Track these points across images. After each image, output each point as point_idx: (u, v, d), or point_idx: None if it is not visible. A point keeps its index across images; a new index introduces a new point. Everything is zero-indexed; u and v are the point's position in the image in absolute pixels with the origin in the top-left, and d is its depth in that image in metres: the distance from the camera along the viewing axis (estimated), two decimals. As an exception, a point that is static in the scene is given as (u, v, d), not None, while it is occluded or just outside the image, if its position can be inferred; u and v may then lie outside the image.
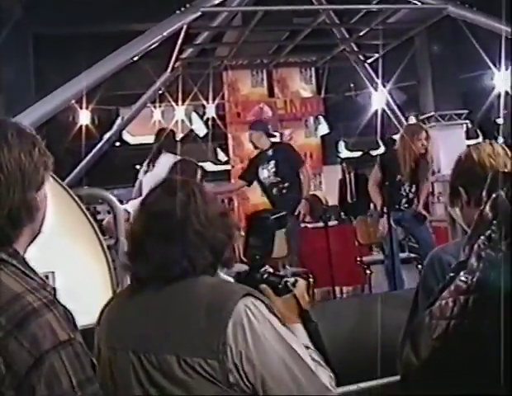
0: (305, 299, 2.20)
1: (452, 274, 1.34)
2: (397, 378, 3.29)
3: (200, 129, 13.75)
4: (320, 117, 12.99)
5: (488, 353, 1.20)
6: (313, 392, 1.95)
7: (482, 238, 1.26)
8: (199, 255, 2.04)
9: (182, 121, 13.12)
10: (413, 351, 1.34)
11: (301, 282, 2.23)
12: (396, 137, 16.34)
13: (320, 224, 7.74)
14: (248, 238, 2.24)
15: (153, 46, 7.81)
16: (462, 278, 1.28)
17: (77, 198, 4.09)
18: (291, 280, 2.23)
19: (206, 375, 1.92)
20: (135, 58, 7.80)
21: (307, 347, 2.08)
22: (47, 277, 3.65)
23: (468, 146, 2.43)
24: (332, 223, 8.35)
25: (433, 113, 13.55)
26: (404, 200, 6.75)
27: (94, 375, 1.74)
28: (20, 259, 1.74)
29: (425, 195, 7.08)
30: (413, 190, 6.75)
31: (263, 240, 2.24)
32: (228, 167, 12.49)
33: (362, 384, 3.63)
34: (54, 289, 1.79)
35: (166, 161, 6.40)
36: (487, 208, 1.27)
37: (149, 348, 2.01)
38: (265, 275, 2.21)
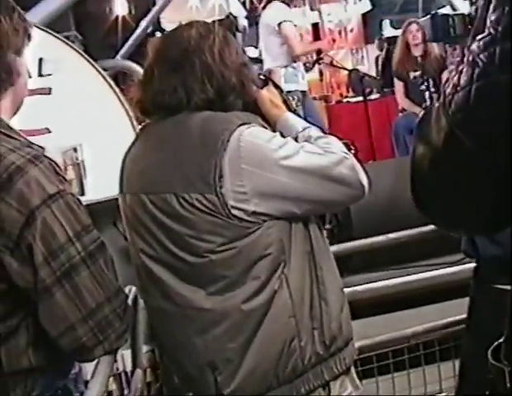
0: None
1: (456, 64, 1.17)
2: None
3: (238, 11, 13.42)
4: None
5: None
6: (335, 171, 1.94)
7: None
8: (198, 87, 1.96)
9: (220, 5, 12.79)
10: (421, 141, 1.10)
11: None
12: (442, 11, 15.79)
13: (360, 99, 7.60)
14: None
15: None
16: (480, 37, 1.03)
17: (102, 71, 4.03)
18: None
19: (206, 210, 1.88)
20: None
21: (305, 128, 2.06)
22: (75, 150, 3.64)
23: None
24: (374, 96, 8.18)
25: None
26: (427, 96, 6.48)
27: (91, 223, 1.71)
28: (3, 125, 1.70)
29: None
30: (431, 84, 6.48)
31: None
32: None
33: (392, 235, 3.60)
34: (42, 147, 1.74)
35: None
36: None
37: (150, 189, 1.99)
38: None
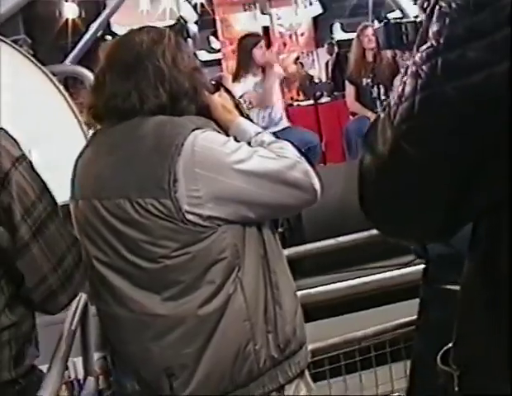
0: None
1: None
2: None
3: (189, 15, 13.39)
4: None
5: (465, 119, 0.98)
6: (289, 175, 1.95)
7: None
8: (151, 92, 1.96)
9: (171, 9, 12.78)
10: (368, 151, 1.11)
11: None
12: (391, 15, 15.98)
13: (311, 102, 7.64)
14: None
15: None
16: (423, 48, 1.04)
17: (51, 75, 4.00)
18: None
19: (161, 216, 1.88)
20: None
21: (258, 133, 2.08)
22: (23, 155, 3.61)
23: None
24: (324, 100, 8.24)
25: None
26: (378, 104, 6.43)
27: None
28: None
29: None
30: (381, 91, 6.44)
31: None
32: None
33: (341, 238, 3.64)
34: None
35: None
36: None
37: (102, 194, 1.98)
38: None
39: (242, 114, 2.18)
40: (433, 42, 1.02)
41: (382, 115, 1.09)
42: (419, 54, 1.05)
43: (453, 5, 1.02)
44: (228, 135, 2.04)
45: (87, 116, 2.11)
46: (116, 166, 1.98)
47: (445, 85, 0.99)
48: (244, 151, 1.95)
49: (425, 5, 2.41)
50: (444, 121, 1.00)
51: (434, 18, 1.05)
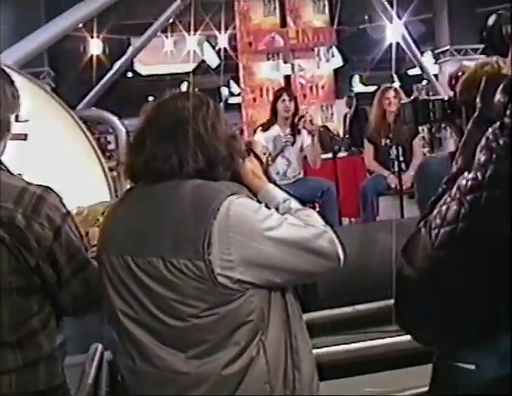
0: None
1: (445, 185, 1.24)
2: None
3: (212, 59, 13.57)
4: (334, 49, 12.82)
5: (503, 255, 1.06)
6: (316, 244, 1.99)
7: (490, 130, 1.11)
8: (191, 156, 2.01)
9: (194, 52, 12.97)
10: (408, 264, 1.17)
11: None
12: (411, 71, 16.06)
13: (329, 156, 7.66)
14: None
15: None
16: (468, 177, 1.10)
17: (78, 119, 4.05)
18: None
19: (193, 276, 1.91)
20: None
21: (286, 200, 2.15)
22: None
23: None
24: (341, 154, 8.28)
25: (448, 47, 13.34)
26: (395, 164, 6.36)
27: None
28: (3, 164, 2.11)
29: (418, 160, 6.40)
30: (400, 152, 6.34)
31: None
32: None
33: (359, 307, 3.63)
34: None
35: None
36: (498, 94, 1.15)
37: (136, 251, 2.01)
38: None
39: (270, 180, 2.23)
40: (479, 175, 1.08)
41: (423, 232, 1.15)
42: (464, 180, 1.11)
43: (501, 142, 1.08)
44: (258, 200, 2.09)
45: (125, 175, 2.16)
46: (151, 225, 2.02)
47: (486, 220, 1.06)
48: (274, 218, 1.99)
49: (453, 82, 2.46)
50: (480, 256, 1.07)
51: (481, 145, 1.11)
